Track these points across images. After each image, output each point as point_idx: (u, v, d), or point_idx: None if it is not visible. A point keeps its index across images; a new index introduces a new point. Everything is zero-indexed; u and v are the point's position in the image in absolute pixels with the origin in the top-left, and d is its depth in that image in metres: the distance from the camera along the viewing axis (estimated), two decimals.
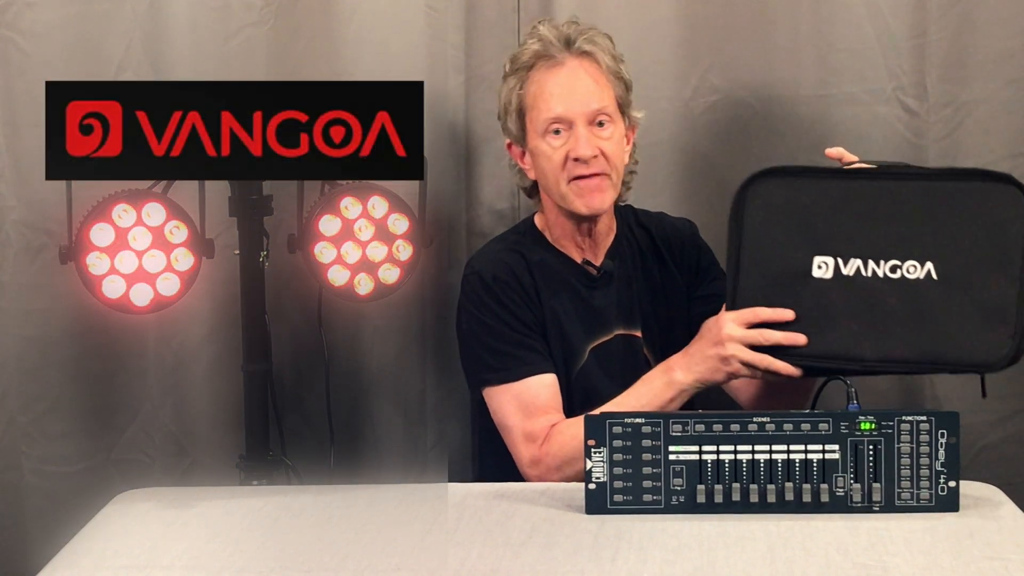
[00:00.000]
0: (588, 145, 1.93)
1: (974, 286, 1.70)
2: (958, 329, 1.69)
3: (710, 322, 1.80)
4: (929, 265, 1.71)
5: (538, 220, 2.09)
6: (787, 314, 1.73)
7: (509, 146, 2.05)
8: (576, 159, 1.93)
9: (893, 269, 1.72)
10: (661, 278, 2.08)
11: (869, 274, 1.73)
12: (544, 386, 1.95)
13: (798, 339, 1.73)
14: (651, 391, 1.85)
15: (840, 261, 1.74)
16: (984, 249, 1.71)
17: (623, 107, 1.99)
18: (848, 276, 1.74)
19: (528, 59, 1.98)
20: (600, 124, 1.95)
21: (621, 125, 1.99)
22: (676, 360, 1.84)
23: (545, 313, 2.00)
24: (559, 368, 1.99)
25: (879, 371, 1.77)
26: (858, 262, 1.73)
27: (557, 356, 2.00)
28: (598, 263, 2.04)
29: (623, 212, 2.10)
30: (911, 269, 1.72)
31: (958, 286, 1.70)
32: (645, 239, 2.09)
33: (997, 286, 1.69)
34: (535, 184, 2.05)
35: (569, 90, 1.95)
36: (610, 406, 1.85)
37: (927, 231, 1.72)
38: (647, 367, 2.02)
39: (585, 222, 2.01)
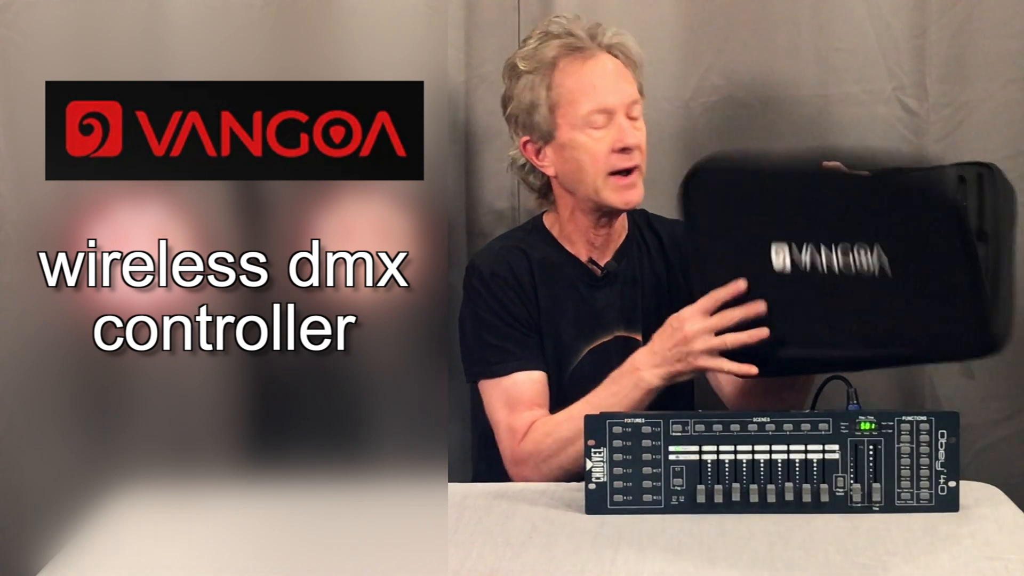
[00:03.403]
0: (632, 135, 1.96)
1: (929, 276, 1.66)
2: (919, 321, 1.67)
3: (673, 318, 1.81)
4: (879, 251, 1.67)
5: (547, 218, 2.10)
6: (740, 285, 1.73)
7: (524, 144, 2.04)
8: (623, 149, 1.95)
9: (845, 252, 1.68)
10: (668, 283, 2.08)
11: (824, 265, 1.70)
12: (531, 382, 1.96)
13: (761, 333, 1.73)
14: (620, 392, 1.86)
15: (795, 247, 1.71)
16: (933, 236, 1.66)
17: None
18: (805, 271, 1.71)
19: (553, 54, 1.99)
20: (633, 117, 1.98)
21: (643, 120, 2.01)
22: (642, 359, 1.85)
23: (542, 311, 2.01)
24: (554, 367, 2.00)
25: (848, 369, 1.75)
26: (811, 248, 1.70)
27: (552, 355, 2.01)
28: (603, 263, 2.05)
29: (635, 215, 2.11)
30: (863, 256, 1.68)
31: (913, 277, 1.67)
32: (655, 243, 2.10)
33: (950, 273, 1.65)
34: (548, 183, 2.06)
35: (609, 81, 1.97)
36: (578, 406, 1.86)
37: (874, 215, 1.69)
38: None
39: (605, 218, 2.02)
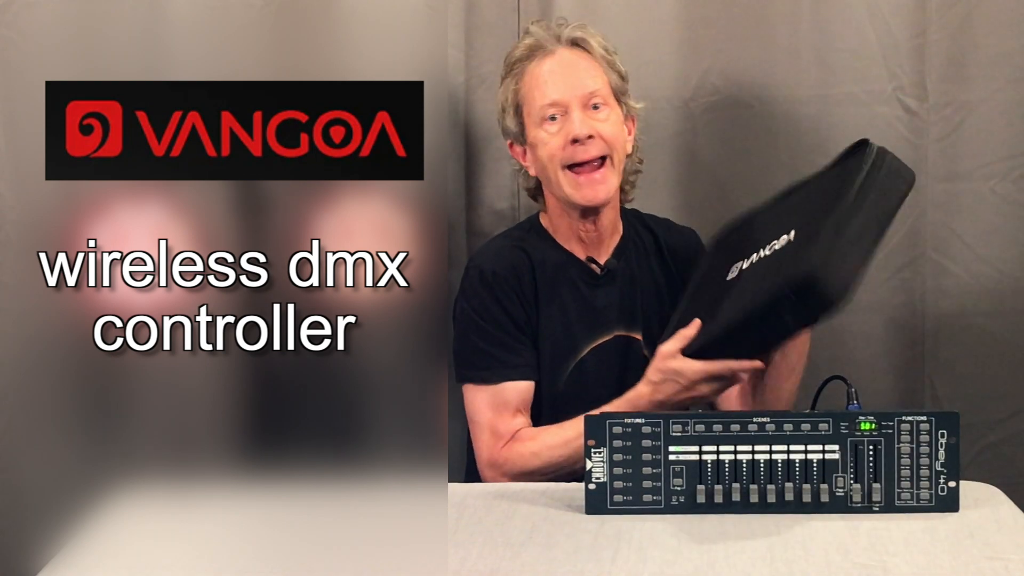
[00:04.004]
0: (584, 125, 1.95)
1: (809, 231, 1.76)
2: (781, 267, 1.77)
3: (669, 371, 1.83)
4: (792, 232, 1.78)
5: (542, 218, 2.10)
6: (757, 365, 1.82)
7: (511, 146, 2.07)
8: (574, 140, 1.95)
9: (771, 248, 1.81)
10: (665, 281, 2.08)
11: (756, 260, 1.83)
12: (519, 391, 1.98)
13: (756, 364, 1.81)
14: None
15: (744, 261, 1.86)
16: (829, 199, 1.78)
17: (619, 95, 2.02)
18: (743, 268, 1.85)
19: (520, 54, 2.02)
20: (595, 107, 1.97)
21: (618, 111, 2.01)
22: (642, 400, 1.87)
23: (541, 312, 2.01)
24: (553, 367, 2.00)
25: (728, 335, 1.81)
26: (754, 255, 1.84)
27: (551, 354, 2.01)
28: (602, 262, 2.05)
29: (628, 215, 2.11)
30: (781, 241, 1.80)
31: (803, 237, 1.76)
32: (651, 241, 2.11)
33: (819, 222, 1.74)
34: (539, 184, 2.06)
35: (561, 75, 1.98)
36: (571, 429, 1.89)
37: (801, 209, 1.85)
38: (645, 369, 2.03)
39: (588, 215, 2.02)
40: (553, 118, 1.98)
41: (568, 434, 1.88)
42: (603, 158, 1.97)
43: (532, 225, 2.10)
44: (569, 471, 1.88)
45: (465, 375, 2.02)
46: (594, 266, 2.05)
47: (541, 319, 2.01)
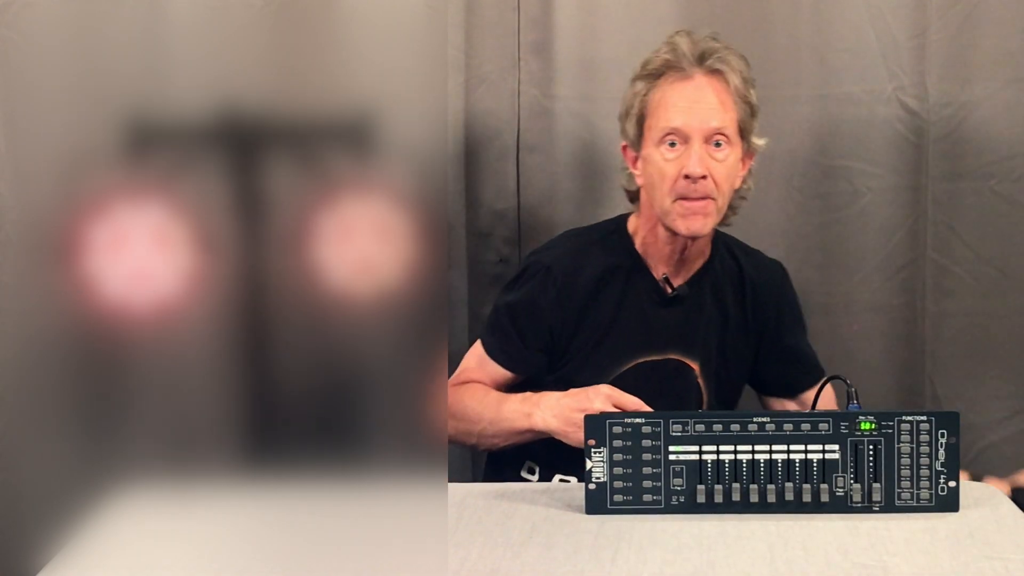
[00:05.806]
0: (700, 163, 1.89)
1: None
2: None
3: (589, 391, 1.85)
4: None
5: (631, 222, 2.05)
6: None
7: (624, 148, 2.00)
8: (687, 176, 1.90)
9: None
10: (736, 313, 2.05)
11: None
12: (500, 376, 2.03)
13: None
14: (510, 413, 1.93)
15: None
16: None
17: (744, 132, 1.95)
18: None
19: (658, 67, 1.94)
20: (717, 144, 1.91)
21: (738, 149, 1.94)
22: (546, 403, 1.89)
23: (589, 320, 1.99)
24: (598, 371, 1.97)
25: None
26: None
27: (596, 362, 1.98)
28: (677, 283, 2.01)
29: (719, 241, 2.06)
30: None
31: None
32: (734, 270, 2.06)
33: None
34: (637, 190, 2.01)
35: (692, 104, 1.91)
36: (479, 394, 1.99)
37: None
38: (699, 397, 2.00)
39: (680, 240, 1.98)
40: (673, 144, 1.91)
41: (487, 412, 1.96)
42: (709, 198, 1.92)
43: (617, 227, 2.05)
44: (463, 437, 1.97)
45: (481, 335, 2.07)
46: (667, 286, 2.00)
47: (586, 324, 1.99)
